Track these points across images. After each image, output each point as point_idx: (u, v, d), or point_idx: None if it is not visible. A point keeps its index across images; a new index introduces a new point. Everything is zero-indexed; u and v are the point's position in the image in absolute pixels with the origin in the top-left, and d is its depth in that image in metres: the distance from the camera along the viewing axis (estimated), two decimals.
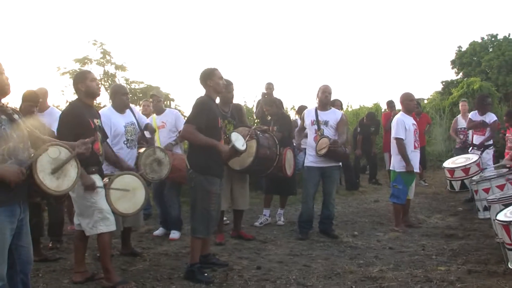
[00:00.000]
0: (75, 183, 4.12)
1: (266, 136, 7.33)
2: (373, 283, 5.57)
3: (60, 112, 7.59)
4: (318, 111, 8.03)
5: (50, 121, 7.10)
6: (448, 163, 9.47)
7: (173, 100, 9.99)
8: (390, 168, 8.66)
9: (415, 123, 8.59)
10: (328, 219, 8.07)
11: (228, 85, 7.04)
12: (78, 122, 5.36)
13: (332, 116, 8.03)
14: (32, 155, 3.90)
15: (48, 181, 3.87)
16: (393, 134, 8.33)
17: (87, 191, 5.35)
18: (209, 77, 5.92)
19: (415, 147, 8.37)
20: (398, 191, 8.35)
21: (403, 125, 8.25)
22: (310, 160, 7.97)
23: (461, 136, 12.00)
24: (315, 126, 7.95)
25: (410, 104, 8.53)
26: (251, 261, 6.54)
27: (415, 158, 8.35)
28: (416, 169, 8.40)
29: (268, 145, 7.20)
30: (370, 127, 13.86)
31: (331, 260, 6.54)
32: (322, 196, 8.17)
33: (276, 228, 8.69)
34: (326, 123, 7.93)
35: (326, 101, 8.06)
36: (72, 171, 4.05)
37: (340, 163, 8.13)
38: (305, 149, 8.96)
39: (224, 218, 8.70)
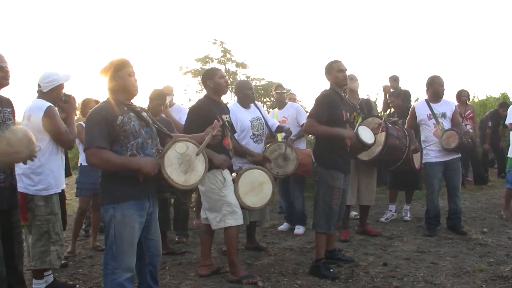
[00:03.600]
0: (203, 178, 4.17)
1: (395, 127, 7.21)
2: (504, 283, 5.34)
3: (187, 108, 7.89)
4: (432, 104, 7.71)
5: (178, 116, 7.36)
6: None
7: (295, 95, 9.97)
8: (508, 155, 8.73)
9: None
10: (456, 214, 7.77)
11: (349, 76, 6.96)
12: (206, 118, 5.45)
13: (447, 107, 7.74)
14: (160, 150, 4.04)
15: (176, 176, 3.96)
16: (506, 121, 8.55)
17: (220, 169, 5.50)
18: (329, 71, 5.94)
19: None
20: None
21: None
22: (432, 155, 7.64)
23: None
24: (433, 120, 7.63)
25: None
26: (377, 257, 6.46)
27: None
28: None
29: (397, 136, 7.08)
30: (501, 118, 13.04)
31: (460, 258, 6.33)
32: (447, 190, 7.89)
33: (402, 224, 8.52)
34: (443, 115, 7.64)
35: (443, 93, 7.76)
36: (200, 165, 4.12)
37: (460, 154, 7.78)
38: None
39: (355, 213, 8.72)
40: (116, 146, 3.90)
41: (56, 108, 5.10)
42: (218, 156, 5.41)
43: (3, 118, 4.17)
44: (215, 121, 4.39)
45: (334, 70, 5.89)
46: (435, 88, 7.68)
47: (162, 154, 3.95)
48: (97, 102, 6.99)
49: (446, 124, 7.59)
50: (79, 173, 7.19)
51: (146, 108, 6.87)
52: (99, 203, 7.01)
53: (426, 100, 7.81)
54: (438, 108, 7.66)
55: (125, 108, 4.03)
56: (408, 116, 7.96)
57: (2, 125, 4.15)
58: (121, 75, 4.04)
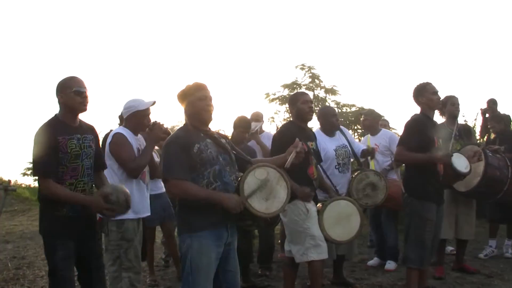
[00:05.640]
0: (285, 205, 4.08)
1: (497, 157, 6.93)
2: None
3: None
4: None
5: (269, 143, 7.39)
6: None
7: (387, 122, 9.82)
8: None
9: None
10: None
11: (451, 99, 6.79)
12: (290, 144, 5.42)
13: None
14: (239, 178, 4.01)
15: (257, 204, 3.90)
16: None
17: (303, 201, 5.43)
18: (420, 94, 5.79)
19: None
20: None
21: None
22: None
23: None
24: None
25: None
26: None
27: None
28: None
29: (498, 166, 6.80)
30: None
31: None
32: None
33: (503, 261, 8.12)
34: None
35: None
36: (282, 191, 4.03)
37: None
38: None
39: (451, 248, 8.44)
40: (192, 174, 3.92)
41: (125, 135, 5.16)
42: (301, 188, 5.36)
43: (83, 145, 4.28)
44: (296, 139, 4.33)
45: (429, 93, 5.74)
46: None
47: (242, 180, 3.91)
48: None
49: None
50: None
51: (230, 135, 7.01)
52: (168, 232, 7.18)
53: None
54: None
55: (202, 135, 4.06)
56: None
57: (82, 154, 4.26)
58: (192, 100, 4.09)
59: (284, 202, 4.05)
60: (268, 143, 7.54)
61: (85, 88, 4.28)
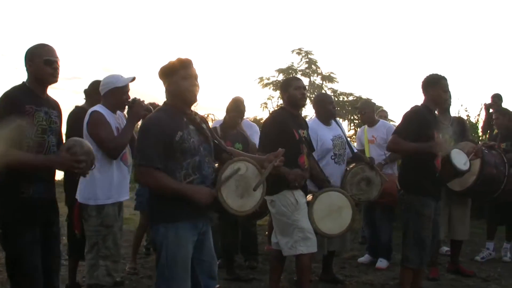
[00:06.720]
0: (259, 203, 3.96)
1: (492, 153, 6.74)
2: None
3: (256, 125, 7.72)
4: None
5: (250, 133, 7.17)
6: None
7: (386, 113, 9.63)
8: None
9: None
10: None
11: None
12: (280, 132, 5.30)
13: None
14: (217, 169, 3.90)
15: (232, 200, 3.80)
16: None
17: (292, 190, 5.26)
18: (431, 86, 5.58)
19: None
20: None
21: None
22: None
23: None
24: None
25: None
26: None
27: None
28: None
29: (494, 163, 6.61)
30: None
31: None
32: None
33: (501, 264, 7.92)
34: None
35: None
36: (257, 190, 3.90)
37: None
38: None
39: (446, 249, 8.25)
40: (170, 163, 3.72)
41: (103, 114, 4.91)
42: (291, 170, 5.14)
43: (49, 120, 4.07)
44: (279, 149, 4.08)
45: (440, 88, 5.56)
46: None
47: (220, 174, 3.77)
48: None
49: None
50: (141, 184, 7.05)
51: (222, 120, 6.85)
52: None
53: None
54: None
55: (185, 120, 3.84)
56: None
57: (48, 129, 4.05)
58: (176, 79, 3.84)
59: (258, 202, 3.93)
60: (250, 131, 7.35)
61: (57, 57, 4.04)
